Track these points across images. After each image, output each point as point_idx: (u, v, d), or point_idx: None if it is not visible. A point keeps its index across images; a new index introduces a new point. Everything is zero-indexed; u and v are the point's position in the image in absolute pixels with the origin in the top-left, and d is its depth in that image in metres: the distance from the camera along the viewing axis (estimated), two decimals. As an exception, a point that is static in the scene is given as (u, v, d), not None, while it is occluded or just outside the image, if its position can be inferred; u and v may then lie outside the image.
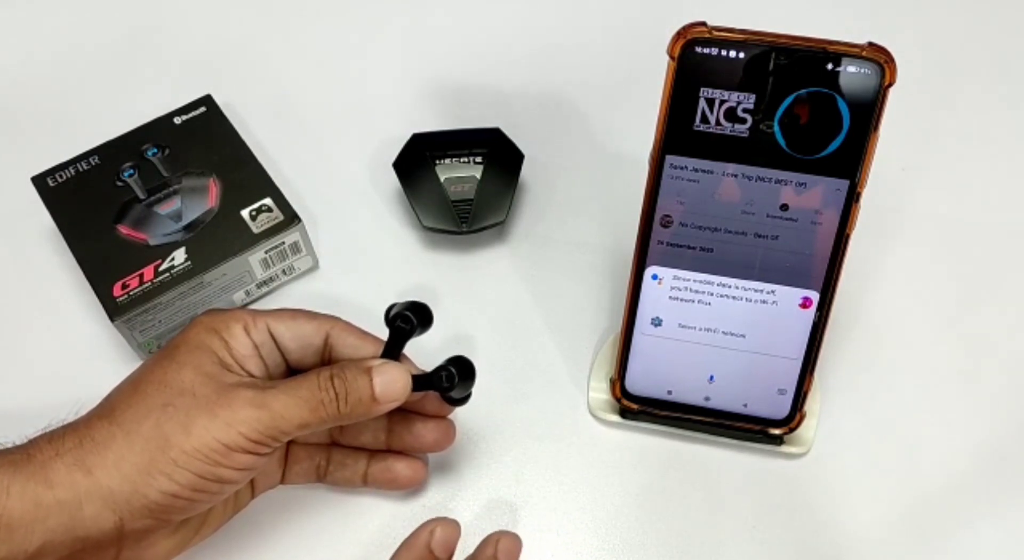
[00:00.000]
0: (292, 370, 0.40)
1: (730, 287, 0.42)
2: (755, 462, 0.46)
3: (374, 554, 0.44)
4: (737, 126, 0.38)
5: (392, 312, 0.40)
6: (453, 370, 0.39)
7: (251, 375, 0.38)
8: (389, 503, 0.45)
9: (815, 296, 0.41)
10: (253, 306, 0.52)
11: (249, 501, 0.42)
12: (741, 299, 0.42)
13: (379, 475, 0.43)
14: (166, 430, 0.34)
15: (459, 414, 0.44)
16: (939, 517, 0.45)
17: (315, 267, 0.53)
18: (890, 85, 0.37)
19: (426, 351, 0.43)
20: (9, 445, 0.35)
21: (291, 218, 0.50)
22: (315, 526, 0.44)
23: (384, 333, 0.40)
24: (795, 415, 0.44)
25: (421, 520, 0.44)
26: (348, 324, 0.41)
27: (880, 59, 0.36)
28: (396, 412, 0.40)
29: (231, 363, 0.37)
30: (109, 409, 0.36)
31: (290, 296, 0.52)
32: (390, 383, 0.38)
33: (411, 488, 0.44)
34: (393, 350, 0.40)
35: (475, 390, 0.42)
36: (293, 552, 0.44)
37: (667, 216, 0.41)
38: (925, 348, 0.50)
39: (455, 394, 0.41)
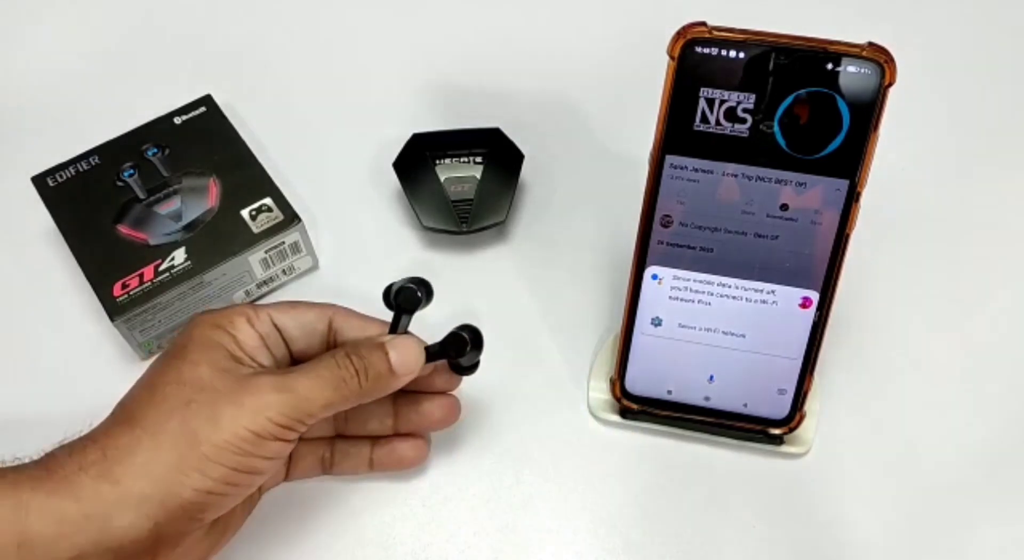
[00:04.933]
0: (296, 361, 0.40)
1: (730, 287, 0.42)
2: (755, 462, 0.46)
3: (373, 554, 0.44)
4: (737, 126, 0.38)
5: (394, 289, 0.40)
6: (465, 336, 0.40)
7: (262, 366, 0.38)
8: (388, 503, 0.45)
9: (815, 296, 0.41)
10: (253, 306, 0.52)
11: (259, 500, 0.42)
12: (741, 299, 0.42)
13: (384, 458, 0.43)
14: (193, 426, 0.34)
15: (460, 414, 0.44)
16: (939, 517, 0.45)
17: (315, 267, 0.53)
18: (890, 85, 0.37)
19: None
20: (26, 460, 0.35)
21: (291, 218, 0.50)
22: (313, 525, 0.44)
23: (384, 320, 0.41)
24: (795, 415, 0.44)
25: (420, 519, 0.45)
26: (348, 309, 0.41)
27: (880, 59, 0.36)
28: (401, 394, 0.40)
29: (242, 356, 0.37)
30: (128, 415, 0.35)
31: (290, 296, 0.52)
32: (405, 354, 0.38)
33: (416, 466, 0.44)
34: (399, 326, 0.40)
35: (475, 390, 0.42)
36: (292, 552, 0.44)
37: (667, 216, 0.41)
38: (925, 348, 0.50)
39: (465, 361, 0.41)
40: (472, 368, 0.42)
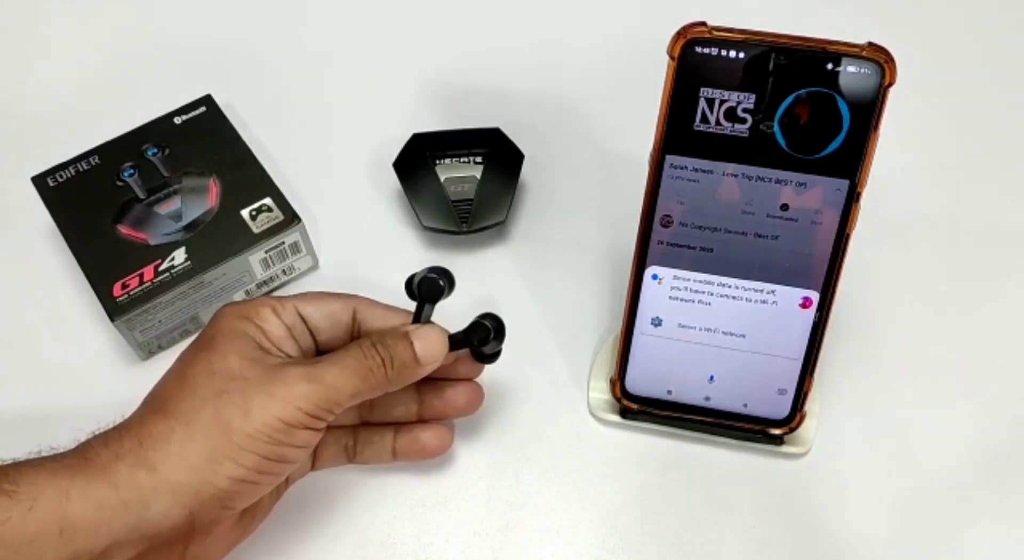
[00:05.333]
0: (321, 351, 0.41)
1: (730, 287, 0.42)
2: (755, 462, 0.46)
3: (373, 554, 0.44)
4: (737, 126, 0.38)
5: (417, 279, 0.40)
6: (488, 325, 0.40)
7: (289, 356, 0.38)
8: (388, 503, 0.45)
9: (815, 296, 0.41)
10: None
11: (286, 490, 0.42)
12: (741, 299, 0.42)
13: (407, 447, 0.43)
14: (225, 416, 0.34)
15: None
16: (939, 517, 0.45)
17: (315, 267, 0.53)
18: (890, 85, 0.37)
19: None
20: (62, 450, 0.35)
21: (291, 218, 0.50)
22: (314, 525, 0.44)
23: (407, 310, 0.41)
24: (795, 415, 0.44)
25: (420, 519, 0.45)
26: (371, 300, 0.41)
27: (880, 59, 0.36)
28: (425, 381, 0.41)
29: (269, 347, 0.38)
30: (161, 404, 0.36)
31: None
32: (429, 344, 0.38)
33: (440, 455, 0.44)
34: (422, 315, 0.40)
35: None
36: (292, 551, 0.44)
37: (667, 216, 0.41)
38: (925, 348, 0.50)
39: (487, 350, 0.41)
40: (494, 356, 0.42)
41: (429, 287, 0.40)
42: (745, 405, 0.45)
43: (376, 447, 0.44)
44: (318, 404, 0.36)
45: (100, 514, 0.33)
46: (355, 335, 0.41)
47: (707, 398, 0.45)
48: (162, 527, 0.34)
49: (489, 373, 0.44)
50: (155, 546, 0.34)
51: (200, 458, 0.34)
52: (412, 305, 0.41)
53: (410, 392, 0.43)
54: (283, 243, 0.50)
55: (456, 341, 0.40)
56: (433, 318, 0.41)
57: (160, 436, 0.34)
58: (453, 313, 0.42)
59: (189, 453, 0.34)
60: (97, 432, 0.36)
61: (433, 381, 0.43)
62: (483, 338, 0.40)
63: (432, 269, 0.40)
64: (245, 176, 0.51)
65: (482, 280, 0.52)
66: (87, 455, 0.34)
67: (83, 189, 0.50)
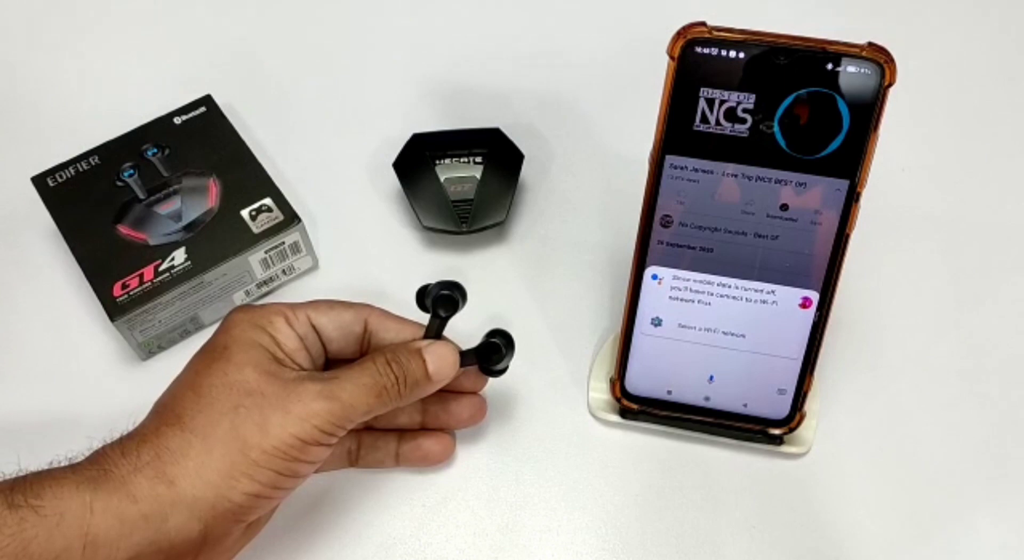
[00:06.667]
0: (329, 361, 0.41)
1: (730, 287, 0.42)
2: (755, 462, 0.46)
3: (373, 554, 0.44)
4: (737, 126, 0.38)
5: (431, 296, 0.40)
6: (499, 342, 0.41)
7: (302, 368, 0.38)
8: (388, 503, 0.45)
9: (815, 296, 0.41)
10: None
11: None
12: (741, 299, 0.42)
13: (410, 454, 0.44)
14: (242, 432, 0.35)
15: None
16: (939, 517, 0.45)
17: (315, 267, 0.53)
18: (890, 85, 0.37)
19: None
20: (79, 459, 0.35)
21: (291, 218, 0.50)
22: (313, 525, 0.44)
23: (417, 321, 0.41)
24: (795, 415, 0.44)
25: (421, 520, 0.45)
26: (383, 311, 0.41)
27: (880, 59, 0.36)
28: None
29: (283, 358, 0.38)
30: (176, 416, 0.35)
31: (290, 297, 0.52)
32: (441, 361, 0.39)
33: (442, 463, 0.45)
34: (436, 330, 0.41)
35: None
36: (291, 552, 0.44)
37: (667, 216, 0.41)
38: (925, 348, 0.50)
39: (497, 366, 0.42)
40: (503, 371, 0.43)
41: (443, 303, 0.40)
42: (745, 405, 0.45)
43: (379, 452, 0.44)
44: (333, 422, 0.36)
45: (121, 528, 0.33)
46: (365, 346, 0.41)
47: (707, 398, 0.45)
48: (178, 540, 0.34)
49: (489, 373, 0.44)
50: (170, 558, 0.34)
51: (217, 474, 0.34)
52: (419, 311, 0.41)
53: (415, 402, 0.43)
54: (283, 243, 0.50)
55: (465, 357, 0.40)
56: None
57: (178, 450, 0.34)
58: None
59: (206, 468, 0.34)
60: (108, 440, 0.36)
61: (438, 393, 0.42)
62: (494, 357, 0.41)
63: (444, 285, 0.40)
64: (245, 176, 0.51)
65: (482, 280, 0.52)
66: (105, 466, 0.34)
67: (83, 189, 0.50)
